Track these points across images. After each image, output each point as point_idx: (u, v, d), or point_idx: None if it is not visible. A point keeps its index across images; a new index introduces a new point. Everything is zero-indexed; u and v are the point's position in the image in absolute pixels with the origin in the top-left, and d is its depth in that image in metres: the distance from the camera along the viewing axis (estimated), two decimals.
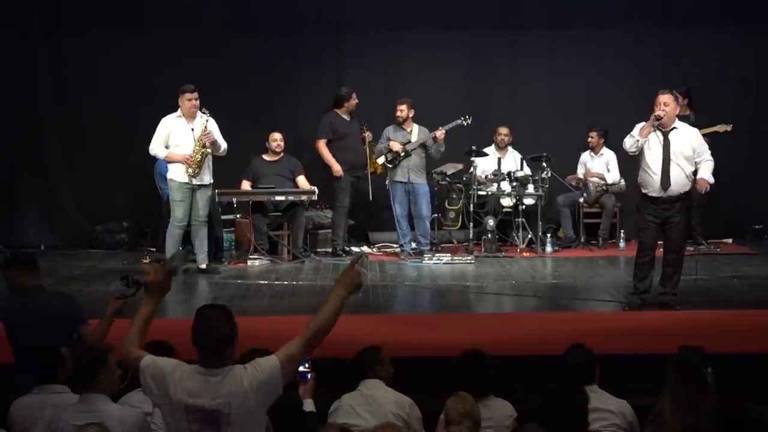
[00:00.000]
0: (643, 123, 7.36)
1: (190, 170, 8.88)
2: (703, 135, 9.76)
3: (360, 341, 5.34)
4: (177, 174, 8.95)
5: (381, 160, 10.07)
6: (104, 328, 5.06)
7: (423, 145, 10.06)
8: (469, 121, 10.15)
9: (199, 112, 9.01)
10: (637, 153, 7.38)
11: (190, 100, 8.96)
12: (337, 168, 9.97)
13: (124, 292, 4.98)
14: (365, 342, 5.16)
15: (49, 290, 5.47)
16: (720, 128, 9.95)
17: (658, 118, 7.24)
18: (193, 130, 8.96)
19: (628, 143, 7.40)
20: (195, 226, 9.09)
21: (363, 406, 4.72)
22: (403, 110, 10.07)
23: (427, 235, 10.16)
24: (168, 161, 9.02)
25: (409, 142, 10.03)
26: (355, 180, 10.11)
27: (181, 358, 3.95)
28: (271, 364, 3.72)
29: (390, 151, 9.99)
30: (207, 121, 8.98)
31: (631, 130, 7.51)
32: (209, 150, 8.98)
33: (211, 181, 9.11)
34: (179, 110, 9.01)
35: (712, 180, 7.43)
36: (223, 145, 9.07)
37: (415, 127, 10.12)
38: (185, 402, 3.66)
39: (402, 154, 9.97)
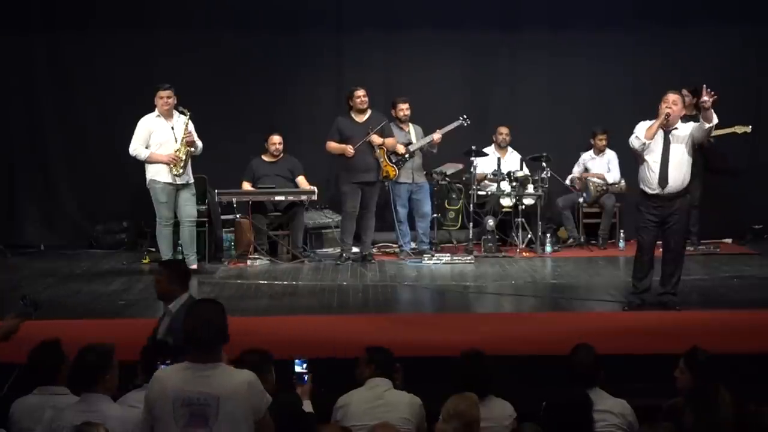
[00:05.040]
0: (648, 122, 7.35)
1: (174, 170, 8.88)
2: (721, 135, 9.85)
3: (360, 341, 5.34)
4: (160, 174, 8.92)
5: None
6: None
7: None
8: (468, 121, 10.14)
9: (175, 111, 9.00)
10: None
11: (162, 98, 8.94)
12: (346, 149, 9.54)
13: (22, 311, 5.02)
14: (365, 342, 5.15)
15: None
16: (739, 129, 9.95)
17: (668, 116, 7.22)
18: (173, 129, 8.96)
19: (636, 144, 7.36)
20: (185, 226, 9.07)
21: (375, 408, 4.63)
22: (409, 109, 10.05)
23: (427, 234, 10.17)
24: (151, 162, 8.95)
25: (410, 142, 10.02)
26: (361, 184, 9.69)
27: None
28: (263, 391, 3.80)
29: (394, 153, 9.95)
30: (188, 119, 8.97)
31: (632, 129, 7.51)
32: (192, 149, 8.99)
33: (192, 180, 9.12)
34: (156, 110, 9.01)
35: (714, 117, 7.14)
36: (200, 144, 9.08)
37: (411, 127, 10.12)
38: (173, 396, 3.68)
39: (407, 156, 9.95)
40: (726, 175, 10.65)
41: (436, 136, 9.94)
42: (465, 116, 10.11)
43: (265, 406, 3.79)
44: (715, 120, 7.22)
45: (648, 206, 7.40)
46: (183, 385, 3.70)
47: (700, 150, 7.73)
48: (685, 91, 10.14)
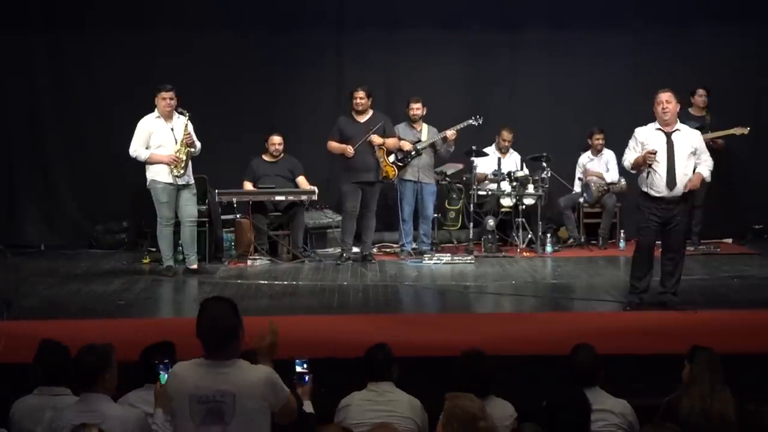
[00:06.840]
0: (644, 129, 7.40)
1: (175, 171, 8.88)
2: (720, 137, 9.91)
3: (360, 341, 5.33)
4: (160, 175, 8.91)
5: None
6: None
7: (432, 145, 10.05)
8: (480, 121, 10.12)
9: (175, 111, 8.99)
10: None
11: (164, 99, 8.91)
12: (346, 149, 9.54)
13: None
14: (365, 342, 5.13)
15: None
16: (737, 131, 9.99)
17: (651, 163, 7.25)
18: (172, 129, 8.95)
19: (625, 165, 7.57)
20: (186, 226, 9.06)
21: (377, 407, 4.66)
22: (420, 108, 10.03)
23: (429, 235, 10.17)
24: (152, 163, 8.94)
25: (419, 141, 10.01)
26: (362, 184, 9.69)
27: (180, 357, 3.97)
28: (282, 384, 3.79)
29: (400, 150, 9.95)
30: (188, 120, 8.97)
31: (631, 130, 7.51)
32: (192, 149, 8.98)
33: (192, 180, 9.11)
34: (156, 110, 9.00)
35: (708, 178, 7.44)
36: (198, 144, 9.07)
37: (425, 127, 10.10)
38: (189, 393, 3.68)
39: (413, 153, 9.94)
40: (729, 180, 10.69)
41: (449, 132, 9.92)
42: (478, 116, 10.09)
43: (284, 399, 3.80)
44: (708, 180, 7.49)
45: (651, 207, 7.35)
46: (199, 382, 3.69)
47: (712, 153, 7.72)
48: (701, 91, 10.26)
